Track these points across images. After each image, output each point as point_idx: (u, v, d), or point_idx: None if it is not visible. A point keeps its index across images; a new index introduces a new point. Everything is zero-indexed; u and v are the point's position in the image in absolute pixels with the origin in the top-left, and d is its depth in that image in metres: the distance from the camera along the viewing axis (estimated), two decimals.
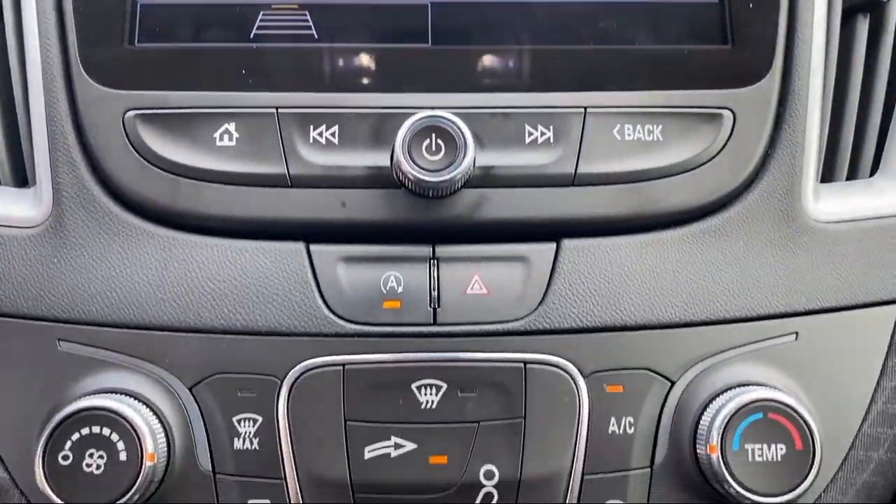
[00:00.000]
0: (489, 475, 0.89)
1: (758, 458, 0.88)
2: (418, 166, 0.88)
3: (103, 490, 0.85)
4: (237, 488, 0.90)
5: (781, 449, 0.88)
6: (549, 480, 0.90)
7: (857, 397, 0.95)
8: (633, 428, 0.91)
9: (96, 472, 0.85)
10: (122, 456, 0.85)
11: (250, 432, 0.90)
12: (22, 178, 1.02)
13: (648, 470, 0.92)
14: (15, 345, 0.92)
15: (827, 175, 1.05)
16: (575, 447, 0.90)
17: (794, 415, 0.88)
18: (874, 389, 0.95)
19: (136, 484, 0.85)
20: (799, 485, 0.87)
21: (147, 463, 0.85)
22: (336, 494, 0.89)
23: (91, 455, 0.85)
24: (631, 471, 0.91)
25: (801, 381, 0.93)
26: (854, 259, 0.97)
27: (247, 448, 0.90)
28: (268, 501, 0.90)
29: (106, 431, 0.86)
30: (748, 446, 0.88)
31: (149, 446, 0.86)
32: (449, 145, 0.89)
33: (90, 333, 0.92)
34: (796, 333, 0.95)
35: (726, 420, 0.87)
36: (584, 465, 0.90)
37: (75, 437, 0.86)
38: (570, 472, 0.90)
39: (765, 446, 0.88)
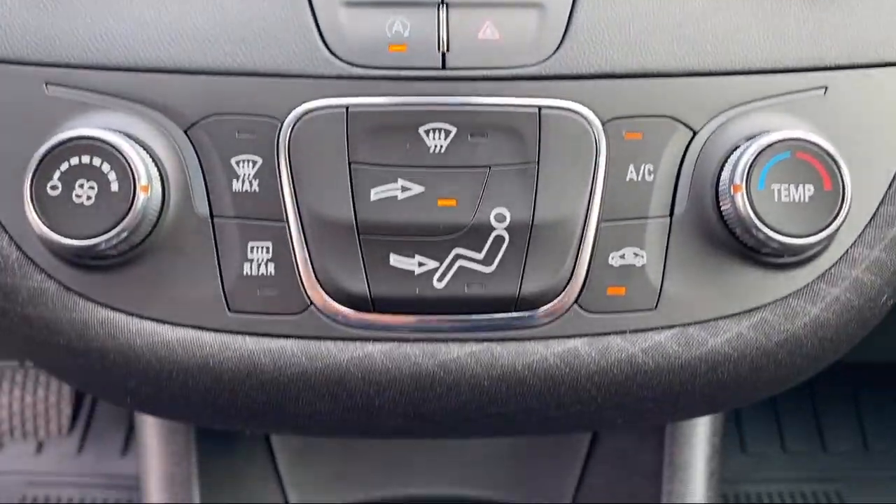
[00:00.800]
0: (500, 218, 0.85)
1: (784, 199, 0.83)
2: None
3: (93, 221, 0.81)
4: (237, 231, 0.86)
5: (810, 189, 0.83)
6: (563, 225, 0.86)
7: (888, 154, 0.90)
8: (652, 176, 0.87)
9: (86, 202, 0.81)
10: (114, 187, 0.81)
11: (249, 174, 0.85)
12: None
13: (668, 219, 0.87)
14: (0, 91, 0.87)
15: None
16: (591, 193, 0.86)
17: (824, 154, 0.83)
18: None
19: (128, 217, 0.81)
20: (828, 226, 0.83)
21: (140, 195, 0.81)
22: (340, 236, 0.85)
23: (81, 186, 0.81)
24: (649, 219, 0.87)
25: (829, 133, 0.87)
26: (891, 18, 0.92)
27: (246, 190, 0.85)
28: (269, 244, 0.85)
29: (97, 161, 0.81)
30: (774, 186, 0.83)
31: (142, 178, 0.81)
32: None
33: (79, 76, 0.87)
34: (825, 88, 0.89)
35: (752, 159, 0.82)
36: (599, 211, 0.86)
37: (64, 166, 0.81)
38: (585, 218, 0.86)
39: (792, 186, 0.83)
